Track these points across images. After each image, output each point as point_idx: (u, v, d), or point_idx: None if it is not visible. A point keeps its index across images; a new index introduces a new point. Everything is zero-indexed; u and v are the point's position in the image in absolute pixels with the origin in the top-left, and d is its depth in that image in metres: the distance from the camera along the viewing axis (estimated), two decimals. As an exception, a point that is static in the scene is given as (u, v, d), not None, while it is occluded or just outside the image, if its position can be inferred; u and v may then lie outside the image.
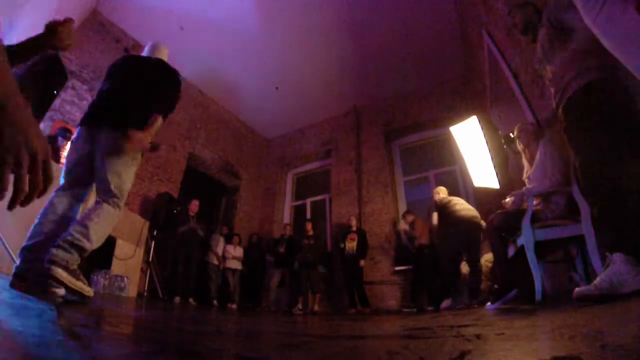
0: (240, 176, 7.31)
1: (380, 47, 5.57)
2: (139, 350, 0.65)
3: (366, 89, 6.62)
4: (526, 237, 2.03)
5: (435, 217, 3.99)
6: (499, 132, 3.81)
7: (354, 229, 5.34)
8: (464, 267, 3.63)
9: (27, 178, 0.44)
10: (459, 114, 4.86)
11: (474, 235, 3.45)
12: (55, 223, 1.66)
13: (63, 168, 1.86)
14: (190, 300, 4.89)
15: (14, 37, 2.67)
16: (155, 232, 4.84)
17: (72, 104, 4.49)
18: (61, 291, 1.55)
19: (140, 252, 4.57)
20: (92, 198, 1.94)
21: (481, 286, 3.47)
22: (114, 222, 1.77)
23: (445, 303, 3.72)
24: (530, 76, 2.73)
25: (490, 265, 3.61)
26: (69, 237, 1.52)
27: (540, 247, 2.04)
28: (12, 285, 1.51)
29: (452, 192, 4.26)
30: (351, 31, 5.32)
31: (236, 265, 5.77)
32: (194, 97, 6.54)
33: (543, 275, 2.21)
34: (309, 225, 5.68)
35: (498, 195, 3.51)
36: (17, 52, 1.25)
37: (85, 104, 4.66)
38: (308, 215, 6.93)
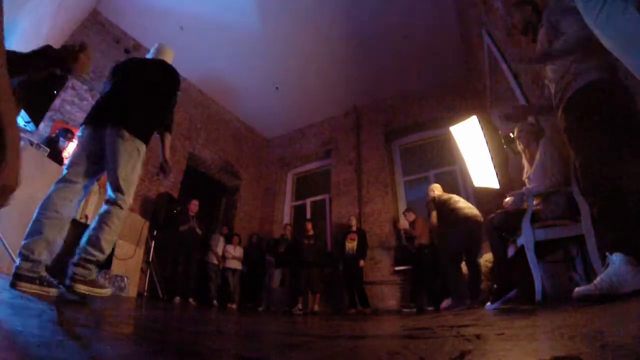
0: (240, 176, 7.31)
1: (380, 47, 5.57)
2: (139, 350, 0.65)
3: (366, 89, 6.62)
4: (526, 237, 2.03)
5: (434, 215, 3.87)
6: (499, 132, 3.81)
7: (354, 229, 5.34)
8: (463, 267, 3.61)
9: None
10: (459, 114, 4.86)
11: (476, 235, 3.37)
12: (53, 224, 1.66)
13: (67, 161, 1.88)
14: (190, 300, 4.89)
15: (15, 38, 2.67)
16: (155, 232, 4.84)
17: (72, 104, 4.49)
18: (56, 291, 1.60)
19: (140, 252, 4.57)
20: (92, 197, 1.96)
21: (481, 286, 3.45)
22: (122, 223, 1.82)
23: (445, 303, 3.71)
24: (530, 76, 2.74)
25: (490, 265, 3.61)
26: (85, 255, 1.65)
27: (540, 247, 2.04)
28: (12, 285, 1.51)
29: (452, 192, 4.25)
30: (351, 31, 5.32)
31: (236, 265, 5.77)
32: (194, 97, 6.54)
33: (543, 275, 2.21)
34: (309, 225, 5.68)
35: (498, 195, 3.50)
36: (18, 61, 1.25)
37: (85, 104, 4.65)
38: (308, 215, 6.93)
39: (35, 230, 1.62)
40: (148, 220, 4.78)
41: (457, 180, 5.60)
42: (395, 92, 6.62)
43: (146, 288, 4.67)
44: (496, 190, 3.88)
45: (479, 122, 3.69)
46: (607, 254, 1.31)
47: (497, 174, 3.80)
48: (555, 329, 0.81)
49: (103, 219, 1.73)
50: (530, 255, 2.00)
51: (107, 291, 1.72)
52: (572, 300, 1.29)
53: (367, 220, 5.95)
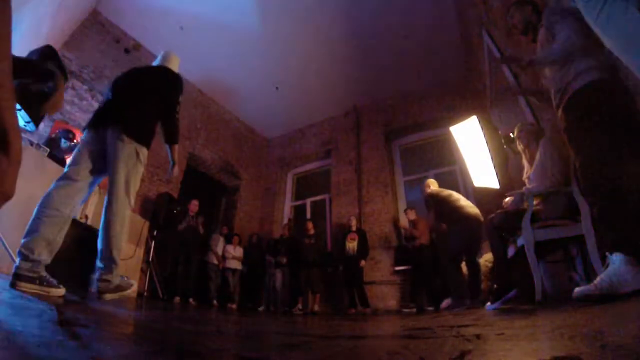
0: (240, 176, 7.31)
1: (380, 47, 5.57)
2: (139, 350, 0.65)
3: (366, 89, 6.62)
4: (526, 237, 2.03)
5: (432, 216, 3.73)
6: (499, 132, 3.81)
7: (354, 229, 5.34)
8: (463, 267, 3.59)
9: None
10: (459, 114, 4.86)
11: (477, 234, 3.31)
12: (53, 222, 1.66)
13: (69, 160, 1.90)
14: (190, 300, 4.89)
15: (15, 38, 2.67)
16: (155, 232, 4.84)
17: (72, 104, 4.49)
18: (62, 291, 1.61)
19: (140, 252, 4.57)
20: (92, 197, 1.99)
21: (482, 286, 3.44)
22: (126, 224, 1.87)
23: (445, 303, 3.71)
24: (530, 76, 2.74)
25: (490, 265, 3.60)
26: (103, 271, 1.76)
27: (540, 247, 2.04)
28: (12, 285, 1.51)
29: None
30: (351, 31, 5.32)
31: (236, 265, 5.77)
32: (194, 97, 6.54)
33: (543, 275, 2.21)
34: (310, 225, 5.69)
35: (498, 195, 3.49)
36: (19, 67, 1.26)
37: (85, 104, 4.66)
38: (308, 215, 6.94)
39: (35, 229, 1.62)
40: (148, 220, 4.78)
41: (457, 180, 5.60)
42: (395, 92, 6.62)
43: (146, 288, 4.67)
44: (496, 190, 3.87)
45: (479, 122, 3.69)
46: (607, 254, 1.31)
47: (497, 174, 3.80)
48: (555, 329, 0.81)
49: (106, 229, 1.79)
50: (530, 255, 2.00)
51: (132, 288, 1.88)
52: (572, 300, 1.29)
53: (367, 220, 5.95)
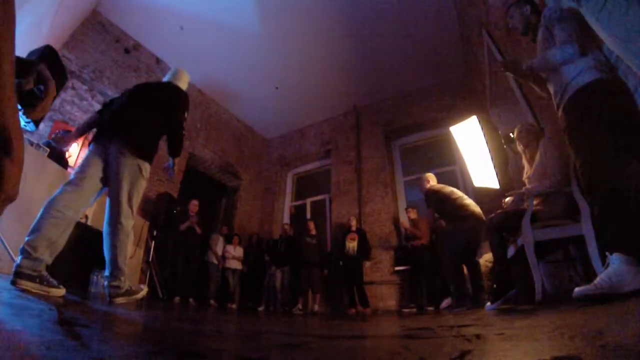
0: (240, 176, 7.31)
1: (380, 47, 5.57)
2: (139, 350, 0.65)
3: (366, 89, 6.62)
4: (526, 237, 2.03)
5: (431, 213, 3.63)
6: (499, 132, 3.81)
7: (354, 229, 5.34)
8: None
9: None
10: (459, 114, 4.86)
11: (480, 233, 3.23)
12: (56, 223, 1.69)
13: (76, 168, 1.96)
14: (190, 300, 4.89)
15: (18, 35, 2.66)
16: (155, 232, 4.84)
17: (72, 104, 4.49)
18: (62, 291, 1.62)
19: (140, 252, 4.57)
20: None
21: (484, 285, 3.41)
22: (130, 234, 1.95)
23: (445, 303, 3.71)
24: (530, 76, 2.73)
25: (490, 265, 3.60)
26: (111, 280, 1.84)
27: (540, 247, 2.04)
28: (13, 282, 1.52)
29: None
30: (351, 31, 5.32)
31: (236, 265, 5.77)
32: (194, 97, 6.54)
33: (543, 275, 2.21)
34: (311, 225, 5.68)
35: (498, 195, 3.49)
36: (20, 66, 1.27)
37: (85, 104, 4.66)
38: (308, 215, 6.94)
39: (38, 228, 1.65)
40: (148, 220, 4.78)
41: (457, 180, 5.60)
42: (395, 92, 6.62)
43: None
44: (496, 190, 3.87)
45: (479, 122, 3.69)
46: (607, 254, 1.31)
47: (497, 174, 3.80)
48: (555, 329, 0.81)
49: (111, 240, 1.86)
50: (530, 255, 2.00)
51: (143, 292, 1.96)
52: (572, 300, 1.29)
53: (367, 220, 5.95)
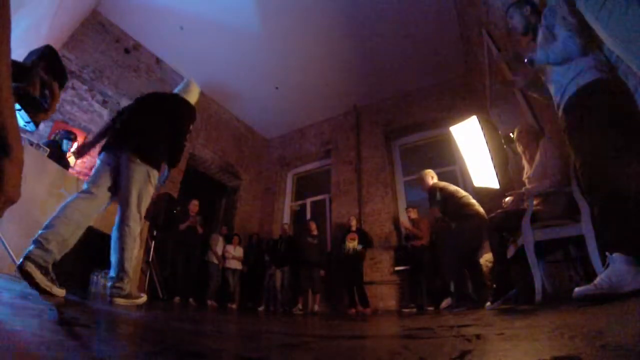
0: (240, 176, 7.31)
1: (380, 47, 5.57)
2: (139, 350, 0.65)
3: (366, 89, 6.62)
4: (526, 237, 2.03)
5: (437, 208, 3.49)
6: (499, 132, 3.81)
7: (354, 229, 5.34)
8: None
9: None
10: (459, 114, 4.86)
11: (483, 233, 3.12)
12: (69, 224, 1.77)
13: (89, 177, 2.04)
14: (190, 300, 4.89)
15: (15, 38, 2.67)
16: (155, 232, 4.84)
17: (72, 104, 4.49)
18: (63, 292, 1.64)
19: (140, 252, 4.56)
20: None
21: (486, 284, 3.39)
22: (137, 239, 2.04)
23: (445, 303, 3.70)
24: (530, 76, 2.73)
25: (490, 265, 3.59)
26: (115, 281, 1.90)
27: (540, 247, 2.04)
28: (20, 266, 1.52)
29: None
30: (351, 31, 5.32)
31: (236, 265, 5.77)
32: (194, 97, 6.54)
33: (543, 275, 2.21)
34: (313, 225, 5.69)
35: (498, 195, 3.48)
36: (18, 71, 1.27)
37: (85, 104, 4.66)
38: (308, 215, 6.94)
39: (52, 224, 1.72)
40: (148, 220, 4.77)
41: (457, 180, 5.59)
42: (395, 92, 6.62)
43: (146, 288, 4.67)
44: (496, 190, 3.87)
45: (479, 122, 3.69)
46: (607, 254, 1.31)
47: (497, 174, 3.80)
48: (555, 329, 0.81)
49: (119, 243, 1.94)
50: (530, 255, 2.00)
51: (142, 299, 2.00)
52: (572, 300, 1.29)
53: (367, 220, 5.95)
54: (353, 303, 4.90)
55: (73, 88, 4.51)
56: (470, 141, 3.85)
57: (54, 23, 3.82)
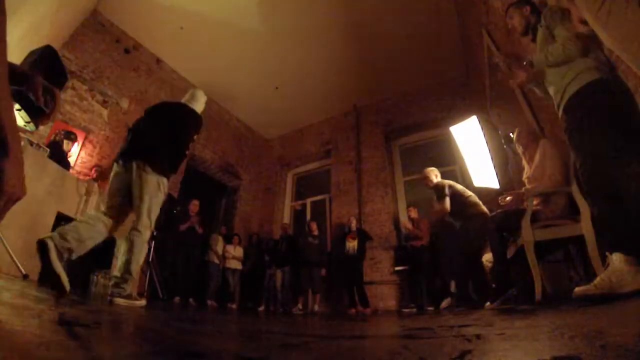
0: (240, 176, 7.31)
1: (380, 47, 5.57)
2: (139, 350, 0.65)
3: (366, 89, 6.62)
4: (526, 237, 2.03)
5: (447, 202, 3.33)
6: (499, 132, 3.81)
7: (354, 229, 5.34)
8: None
9: None
10: (459, 114, 4.86)
11: (486, 232, 3.21)
12: (88, 227, 1.88)
13: (106, 195, 2.16)
14: (190, 300, 4.88)
15: (15, 38, 2.67)
16: (155, 232, 4.84)
17: (72, 104, 4.49)
18: (68, 288, 1.68)
19: (141, 252, 4.56)
20: (92, 197, 2.11)
21: (488, 285, 3.37)
22: (146, 244, 2.12)
23: (445, 303, 3.70)
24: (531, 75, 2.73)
25: (490, 265, 3.58)
26: (118, 280, 1.97)
27: (540, 247, 2.04)
28: (42, 240, 1.59)
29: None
30: (351, 31, 5.33)
31: (236, 265, 5.77)
32: (194, 97, 6.54)
33: (543, 275, 2.21)
34: (313, 225, 5.69)
35: (498, 195, 3.47)
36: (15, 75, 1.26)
37: (85, 104, 4.66)
38: (308, 215, 6.94)
39: (74, 224, 1.86)
40: (148, 220, 4.78)
41: (457, 180, 5.58)
42: (395, 92, 6.62)
43: (146, 288, 4.67)
44: (496, 190, 3.87)
45: (479, 122, 3.69)
46: (607, 254, 1.31)
47: (497, 174, 3.80)
48: (555, 329, 0.81)
49: (128, 247, 2.02)
50: (530, 255, 2.00)
51: (141, 302, 2.04)
52: (572, 300, 1.29)
53: (367, 220, 5.95)
54: (353, 303, 4.90)
55: (73, 88, 4.51)
56: (470, 141, 3.85)
57: (55, 22, 3.83)
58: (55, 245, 1.64)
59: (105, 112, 4.88)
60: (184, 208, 5.25)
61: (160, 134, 2.26)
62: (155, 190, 2.15)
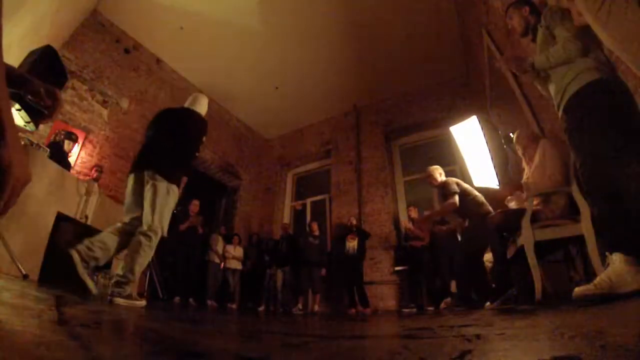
0: (240, 176, 7.31)
1: (380, 47, 5.57)
2: (139, 350, 0.65)
3: (366, 89, 6.62)
4: (526, 237, 2.03)
5: (455, 199, 3.20)
6: (499, 132, 3.81)
7: (354, 229, 5.34)
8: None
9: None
10: (459, 114, 4.86)
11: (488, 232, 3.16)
12: (112, 237, 2.08)
13: (125, 205, 2.29)
14: (190, 300, 4.88)
15: (15, 37, 2.67)
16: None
17: (72, 104, 4.49)
18: (94, 291, 1.91)
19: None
20: (92, 197, 2.17)
21: (489, 284, 3.35)
22: (153, 250, 2.16)
23: (445, 303, 3.71)
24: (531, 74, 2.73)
25: (490, 265, 3.58)
26: (120, 278, 2.00)
27: (540, 247, 2.04)
28: (71, 245, 1.78)
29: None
30: (351, 31, 5.33)
31: (236, 265, 5.77)
32: (194, 97, 6.53)
33: (543, 275, 2.21)
34: (314, 226, 5.69)
35: (498, 195, 3.48)
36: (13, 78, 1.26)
37: (85, 104, 4.66)
38: (308, 215, 6.94)
39: (100, 235, 2.02)
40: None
41: (457, 180, 5.60)
42: (395, 92, 6.62)
43: (146, 288, 4.67)
44: (496, 190, 3.87)
45: (479, 122, 3.69)
46: (607, 254, 1.31)
47: (497, 174, 3.80)
48: (555, 329, 0.81)
49: (135, 248, 2.06)
50: (530, 255, 2.00)
51: (141, 303, 2.05)
52: (572, 300, 1.29)
53: (367, 220, 5.96)
54: (353, 303, 4.90)
55: (73, 88, 4.51)
56: (470, 141, 3.85)
57: (55, 22, 3.83)
58: (80, 255, 1.82)
59: (105, 112, 4.88)
60: (184, 208, 5.25)
61: (169, 142, 2.32)
62: (165, 197, 2.20)
